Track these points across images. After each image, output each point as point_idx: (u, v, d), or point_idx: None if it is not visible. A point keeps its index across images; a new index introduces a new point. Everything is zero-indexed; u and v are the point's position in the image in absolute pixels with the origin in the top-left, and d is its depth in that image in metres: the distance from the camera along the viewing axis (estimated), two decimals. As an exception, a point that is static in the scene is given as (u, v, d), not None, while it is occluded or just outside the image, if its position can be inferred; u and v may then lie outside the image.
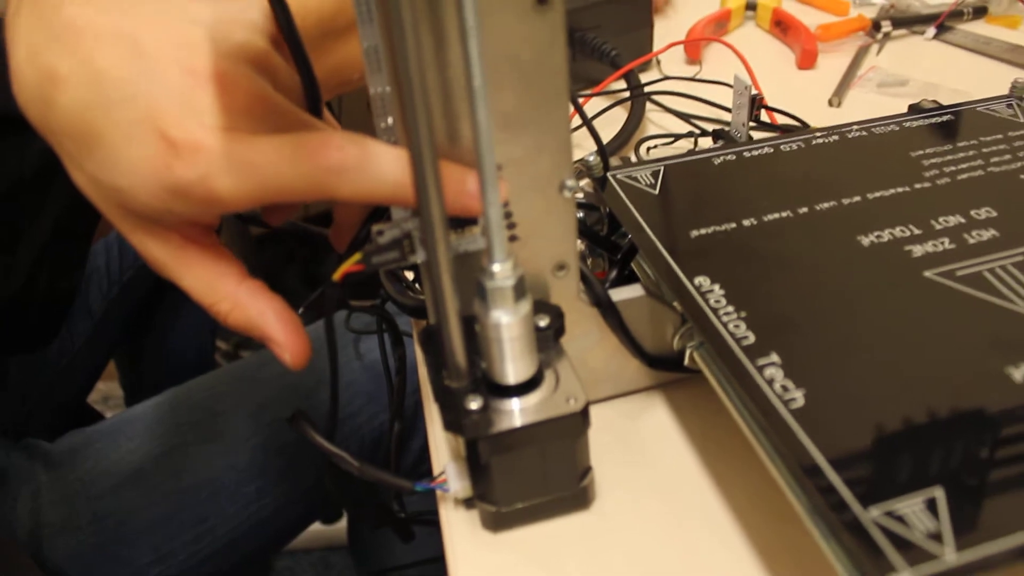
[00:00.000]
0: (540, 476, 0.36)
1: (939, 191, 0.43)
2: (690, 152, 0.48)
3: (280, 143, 0.31)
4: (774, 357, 0.34)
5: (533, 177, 0.34)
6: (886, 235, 0.40)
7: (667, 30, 0.89)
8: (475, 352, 0.34)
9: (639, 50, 0.79)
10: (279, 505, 0.75)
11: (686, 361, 0.38)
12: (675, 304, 0.38)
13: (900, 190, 0.43)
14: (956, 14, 0.89)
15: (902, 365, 0.33)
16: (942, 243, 0.39)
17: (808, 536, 0.29)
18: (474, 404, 0.33)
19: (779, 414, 0.31)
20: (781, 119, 0.66)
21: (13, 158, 0.49)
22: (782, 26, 0.89)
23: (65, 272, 0.54)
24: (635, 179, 0.45)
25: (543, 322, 0.36)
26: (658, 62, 0.82)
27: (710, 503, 0.38)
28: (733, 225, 0.41)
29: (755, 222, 0.41)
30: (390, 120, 0.33)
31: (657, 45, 0.81)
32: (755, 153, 0.47)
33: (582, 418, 0.34)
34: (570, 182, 0.35)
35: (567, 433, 0.34)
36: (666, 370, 0.42)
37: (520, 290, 0.32)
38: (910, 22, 0.89)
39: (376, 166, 0.31)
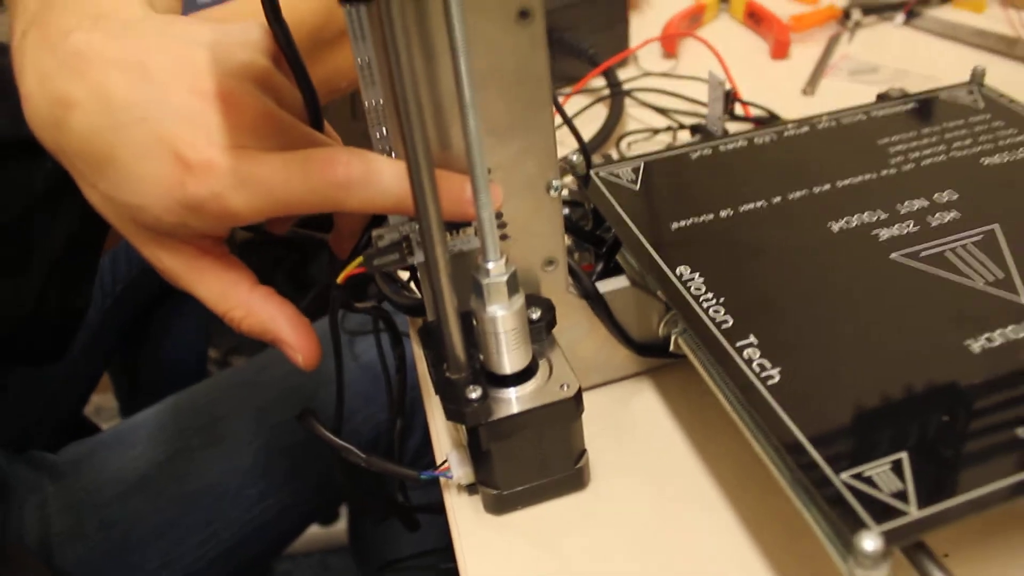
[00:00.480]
0: (538, 460, 0.38)
1: (904, 176, 0.46)
2: (668, 148, 0.51)
3: (289, 160, 0.33)
4: (752, 338, 0.36)
5: (521, 179, 0.37)
6: (855, 220, 0.42)
7: (643, 25, 0.91)
8: (473, 345, 0.36)
9: (616, 46, 0.81)
10: (282, 507, 0.77)
11: (671, 347, 0.41)
12: (659, 293, 0.41)
13: (868, 177, 0.46)
14: (924, 0, 0.91)
15: (870, 342, 0.36)
16: (907, 226, 0.42)
17: (791, 504, 0.32)
18: (474, 394, 0.35)
19: (757, 390, 0.34)
20: (756, 111, 0.68)
21: (24, 179, 0.51)
22: (755, 18, 0.92)
23: (76, 286, 0.55)
24: (617, 176, 0.47)
25: (535, 315, 0.38)
26: (635, 58, 0.84)
27: (699, 479, 0.41)
28: (711, 216, 0.44)
29: (732, 212, 0.44)
30: (384, 130, 0.36)
31: (634, 40, 0.83)
32: (730, 147, 0.49)
33: (575, 403, 0.36)
34: (556, 182, 0.37)
35: (562, 418, 0.37)
36: (653, 356, 0.44)
37: (513, 286, 0.34)
38: (879, 9, 0.91)
39: (379, 180, 0.33)
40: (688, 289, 0.39)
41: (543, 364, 0.37)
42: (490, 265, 0.33)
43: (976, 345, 0.35)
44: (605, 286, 0.42)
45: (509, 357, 0.35)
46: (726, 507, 0.39)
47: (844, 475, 0.30)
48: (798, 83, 0.79)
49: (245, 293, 0.38)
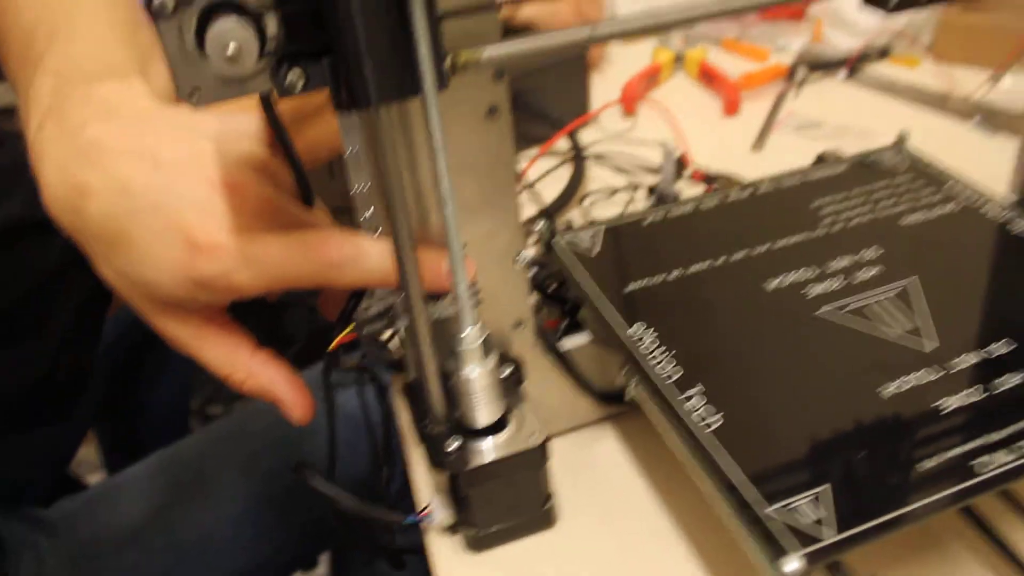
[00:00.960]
0: (511, 502, 0.43)
1: (834, 236, 0.51)
2: (623, 215, 0.55)
3: (288, 241, 0.38)
4: (699, 387, 0.41)
5: (492, 252, 0.42)
6: (788, 279, 0.47)
7: (604, 83, 0.96)
8: (451, 401, 0.41)
9: (579, 108, 0.87)
10: (271, 554, 0.80)
11: (628, 396, 0.45)
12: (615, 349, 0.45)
13: (801, 238, 0.51)
14: (864, 57, 0.97)
15: (799, 389, 0.41)
16: (834, 283, 0.47)
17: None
18: (453, 445, 0.40)
19: (700, 435, 0.38)
20: (711, 169, 0.74)
21: (39, 255, 0.55)
22: (708, 76, 0.98)
23: (84, 351, 0.60)
24: (577, 242, 0.52)
25: (506, 371, 0.43)
26: (598, 118, 0.90)
27: (657, 516, 0.45)
28: (663, 278, 0.49)
29: (681, 273, 0.49)
30: (369, 212, 0.40)
31: (595, 98, 0.88)
32: (679, 212, 0.55)
33: (542, 451, 0.41)
34: (522, 255, 0.42)
35: (531, 464, 0.41)
36: (614, 404, 0.49)
37: (486, 348, 0.39)
38: (824, 66, 0.97)
39: (367, 259, 0.38)
40: (641, 345, 0.44)
41: (514, 415, 0.42)
42: (465, 332, 0.38)
43: (887, 391, 0.40)
44: (569, 342, 0.47)
45: (483, 412, 0.40)
46: (681, 540, 0.44)
47: (774, 507, 0.35)
48: (749, 139, 0.85)
49: (247, 357, 0.42)
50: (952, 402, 0.39)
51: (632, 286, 0.48)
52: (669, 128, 0.79)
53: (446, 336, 0.39)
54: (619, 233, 0.53)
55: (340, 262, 0.38)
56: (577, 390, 0.48)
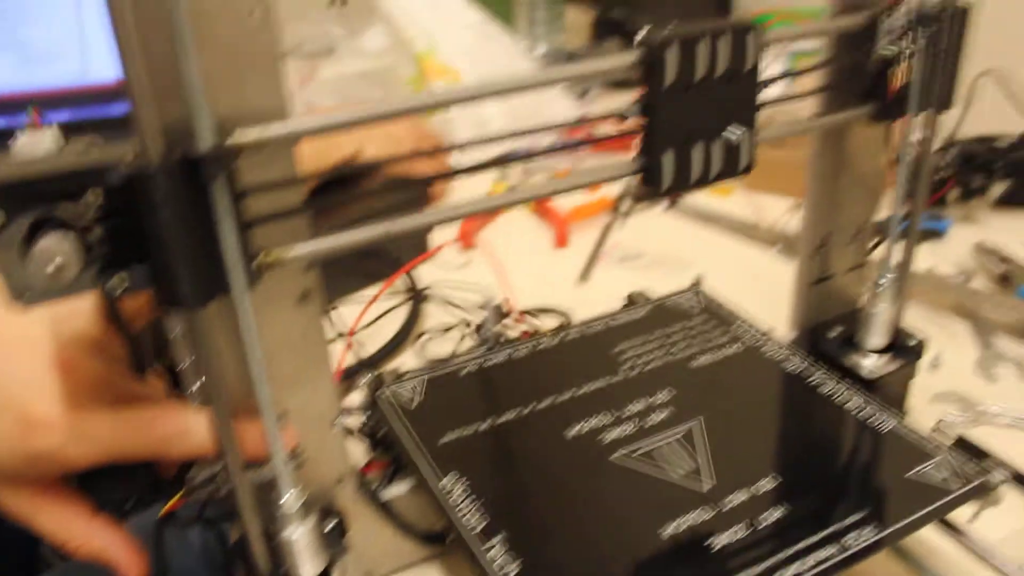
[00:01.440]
0: (336, 649, 0.46)
1: (631, 381, 0.57)
2: (443, 364, 0.60)
3: (119, 418, 0.41)
4: (501, 536, 0.45)
5: (311, 418, 0.45)
6: (588, 425, 0.53)
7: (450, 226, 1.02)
8: (277, 558, 0.44)
9: (418, 245, 0.92)
10: None
11: (448, 540, 0.50)
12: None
13: (601, 384, 0.57)
14: (682, 189, 1.06)
15: (590, 534, 0.46)
16: (628, 428, 0.53)
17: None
18: (278, 600, 0.43)
19: (499, 582, 0.43)
20: (542, 300, 0.79)
21: None
22: (541, 209, 1.05)
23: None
24: (400, 394, 0.56)
25: (329, 525, 0.46)
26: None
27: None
28: (475, 429, 0.53)
29: (492, 423, 0.54)
30: (195, 387, 0.44)
31: (435, 231, 0.94)
32: (494, 361, 0.60)
33: (362, 601, 0.44)
34: (338, 420, 0.46)
35: (353, 613, 0.45)
36: (435, 545, 0.53)
37: (307, 507, 0.42)
38: (646, 197, 1.06)
39: (194, 435, 0.42)
40: (450, 498, 0.48)
41: (338, 567, 0.45)
42: (284, 497, 0.42)
43: (666, 531, 0.45)
44: (391, 491, 0.51)
45: (306, 568, 0.43)
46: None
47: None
48: (577, 271, 0.91)
49: (83, 525, 0.44)
50: (721, 539, 0.45)
51: (447, 437, 0.52)
52: (503, 265, 0.85)
53: (271, 497, 0.43)
54: (439, 383, 0.58)
55: (168, 437, 0.41)
56: (401, 534, 0.51)
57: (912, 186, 0.57)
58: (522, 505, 0.48)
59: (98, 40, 1.06)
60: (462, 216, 0.46)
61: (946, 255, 0.91)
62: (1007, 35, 1.09)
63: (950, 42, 0.53)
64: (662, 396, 0.55)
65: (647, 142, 0.46)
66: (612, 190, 1.07)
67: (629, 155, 0.48)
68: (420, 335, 0.79)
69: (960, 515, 0.48)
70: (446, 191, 1.11)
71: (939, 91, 0.54)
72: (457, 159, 1.13)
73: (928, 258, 0.89)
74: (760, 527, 0.45)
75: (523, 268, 0.85)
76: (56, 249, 0.34)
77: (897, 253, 0.58)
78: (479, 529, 0.46)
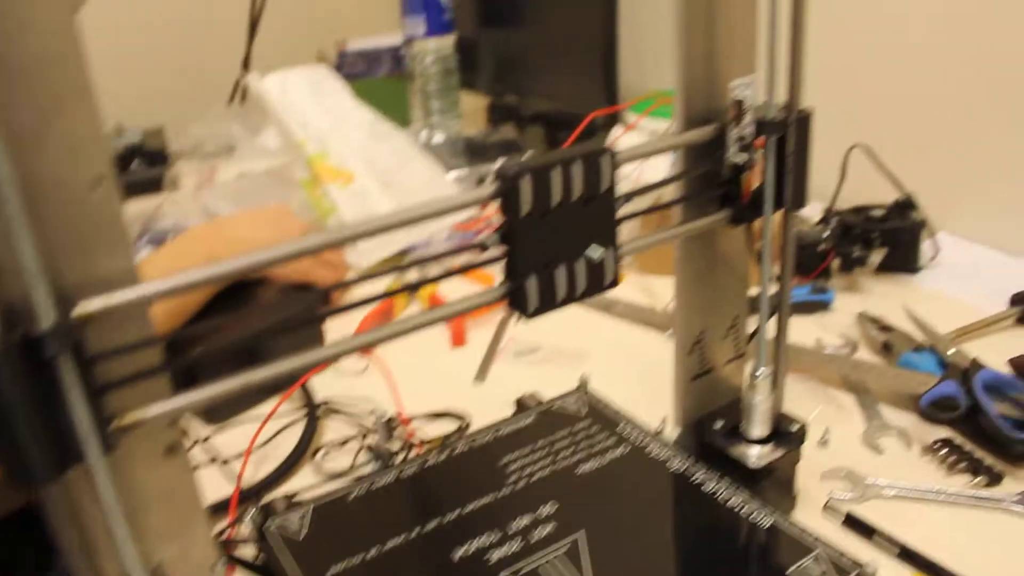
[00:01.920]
0: None
1: (517, 495, 0.57)
2: (329, 493, 0.60)
3: None
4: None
5: (188, 568, 0.45)
6: (474, 546, 0.53)
7: (341, 321, 1.01)
8: None
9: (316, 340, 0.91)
10: None
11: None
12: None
13: (488, 499, 0.57)
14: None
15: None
16: (514, 545, 0.53)
17: None
18: None
19: None
20: (438, 403, 0.79)
21: None
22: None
23: None
24: (286, 526, 0.56)
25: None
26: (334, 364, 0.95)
27: None
28: (362, 557, 0.53)
29: (379, 551, 0.53)
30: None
31: (331, 336, 0.93)
32: (381, 483, 0.60)
33: None
34: (218, 565, 0.46)
35: None
36: None
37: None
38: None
39: None
40: (332, 637, 0.48)
41: None
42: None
43: (548, 657, 0.45)
44: (278, 629, 0.50)
45: None
46: None
47: None
48: (473, 369, 0.92)
49: None
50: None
51: (334, 568, 0.52)
52: (394, 376, 0.85)
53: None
54: (326, 512, 0.57)
55: None
56: (291, 674, 0.51)
57: (781, 271, 0.59)
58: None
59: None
60: (353, 350, 0.46)
61: (833, 326, 0.94)
62: (872, 109, 1.16)
63: (797, 144, 0.56)
64: (547, 509, 0.56)
65: (510, 268, 0.48)
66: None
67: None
68: (317, 450, 0.78)
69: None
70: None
71: (792, 190, 0.57)
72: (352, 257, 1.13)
73: (815, 330, 0.92)
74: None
75: (420, 369, 0.85)
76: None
77: (771, 336, 0.60)
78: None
